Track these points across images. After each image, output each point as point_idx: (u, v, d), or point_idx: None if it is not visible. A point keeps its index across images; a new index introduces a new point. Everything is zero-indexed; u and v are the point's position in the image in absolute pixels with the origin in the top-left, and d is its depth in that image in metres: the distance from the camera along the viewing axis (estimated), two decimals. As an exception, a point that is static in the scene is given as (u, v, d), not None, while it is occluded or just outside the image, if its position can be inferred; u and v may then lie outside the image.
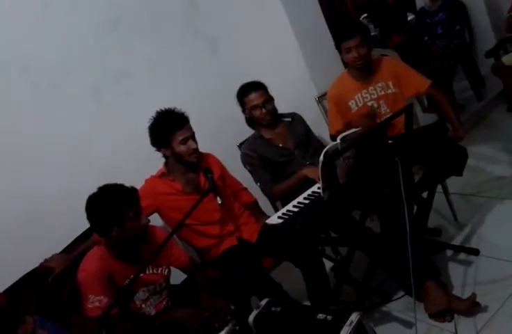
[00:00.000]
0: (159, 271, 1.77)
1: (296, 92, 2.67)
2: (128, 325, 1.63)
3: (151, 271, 1.74)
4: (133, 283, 1.60)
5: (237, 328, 1.61)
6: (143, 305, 1.74)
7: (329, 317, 1.42)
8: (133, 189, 1.64)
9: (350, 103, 2.32)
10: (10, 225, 2.01)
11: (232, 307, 1.68)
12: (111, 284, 1.63)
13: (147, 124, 1.94)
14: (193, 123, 1.96)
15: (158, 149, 1.95)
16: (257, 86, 2.15)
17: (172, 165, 1.98)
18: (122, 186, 1.62)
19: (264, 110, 2.14)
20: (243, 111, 2.22)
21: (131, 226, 1.60)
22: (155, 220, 2.02)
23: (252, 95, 2.13)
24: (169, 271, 1.82)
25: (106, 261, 1.65)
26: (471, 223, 2.42)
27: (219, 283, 1.86)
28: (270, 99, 2.17)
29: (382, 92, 2.31)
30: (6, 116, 2.04)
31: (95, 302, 1.59)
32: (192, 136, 1.92)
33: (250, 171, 2.21)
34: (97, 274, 1.62)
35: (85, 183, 2.10)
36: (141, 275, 1.66)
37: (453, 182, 2.49)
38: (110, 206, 1.56)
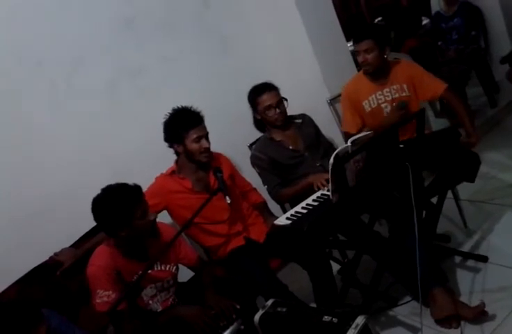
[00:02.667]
0: (167, 268, 1.81)
1: (308, 94, 2.71)
2: (135, 321, 1.67)
3: (159, 268, 1.79)
4: (141, 279, 1.64)
5: (242, 327, 1.65)
6: (150, 302, 1.79)
7: (335, 320, 1.45)
8: (136, 187, 1.66)
9: (364, 103, 2.37)
10: (22, 219, 2.07)
11: (238, 307, 1.72)
12: (119, 280, 1.67)
13: (160, 122, 1.99)
14: (205, 121, 2.02)
15: (171, 146, 2.00)
16: (270, 87, 2.19)
17: (183, 163, 2.03)
18: (125, 185, 1.65)
19: (277, 110, 2.17)
20: (255, 112, 2.25)
21: (140, 224, 1.65)
22: (164, 218, 2.07)
23: (266, 95, 2.17)
24: (177, 269, 1.87)
25: (114, 257, 1.70)
26: (480, 230, 2.45)
27: (226, 282, 1.90)
28: (282, 100, 2.21)
29: (397, 95, 2.36)
30: (19, 108, 2.10)
31: (103, 297, 1.64)
32: (205, 136, 1.98)
33: (258, 173, 2.25)
34: (106, 269, 1.66)
35: (95, 178, 2.16)
36: (149, 271, 1.70)
37: (463, 188, 2.52)
38: (118, 208, 1.59)
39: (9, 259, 1.98)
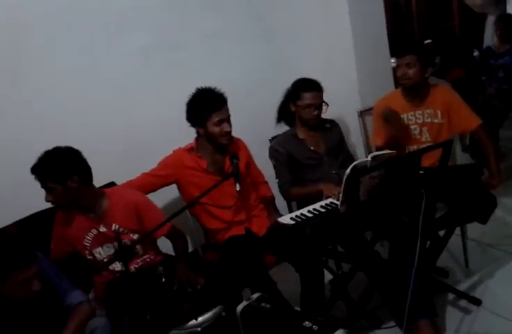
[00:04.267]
0: (124, 231, 1.89)
1: (339, 102, 2.68)
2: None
3: (116, 229, 1.87)
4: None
5: (223, 313, 1.70)
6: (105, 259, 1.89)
7: (315, 327, 1.46)
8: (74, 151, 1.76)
9: None
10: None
11: (202, 281, 1.81)
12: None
13: (185, 98, 2.01)
14: (232, 106, 2.04)
15: (193, 126, 2.04)
16: (319, 87, 2.21)
17: (202, 142, 2.07)
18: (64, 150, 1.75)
19: (316, 112, 2.20)
20: (292, 104, 2.23)
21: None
22: (170, 192, 2.12)
23: (313, 94, 2.18)
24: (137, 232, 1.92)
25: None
26: (481, 273, 2.45)
27: (217, 267, 1.94)
28: (323, 103, 2.22)
29: (429, 120, 2.37)
30: (54, 54, 2.15)
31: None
32: (227, 119, 2.00)
33: (274, 166, 2.28)
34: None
35: (108, 141, 2.21)
36: (102, 231, 1.86)
37: (473, 227, 2.51)
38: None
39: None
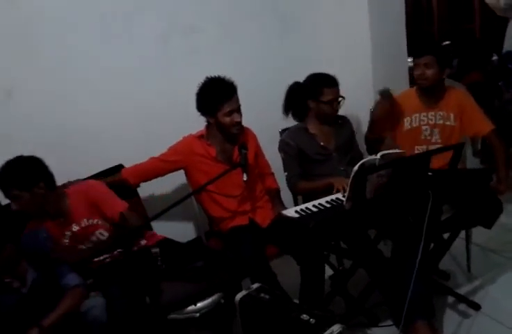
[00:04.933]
0: (90, 223, 1.92)
1: (352, 98, 2.64)
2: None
3: (87, 224, 1.91)
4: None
5: (222, 301, 1.73)
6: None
7: (312, 320, 1.48)
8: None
9: (405, 119, 2.39)
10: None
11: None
12: None
13: (196, 85, 2.02)
14: (245, 96, 2.05)
15: (203, 115, 2.05)
16: (336, 81, 2.21)
17: (212, 131, 2.09)
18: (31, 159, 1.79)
19: (337, 106, 2.21)
20: (312, 100, 2.21)
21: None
22: (178, 177, 2.14)
23: (335, 88, 2.19)
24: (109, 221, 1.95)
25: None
26: (482, 278, 2.46)
27: (219, 255, 1.96)
28: (342, 97, 2.23)
29: (441, 122, 2.37)
30: (66, 37, 2.18)
31: None
32: (238, 109, 2.01)
33: (283, 159, 2.29)
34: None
35: (119, 122, 2.25)
36: (75, 230, 1.89)
37: (478, 233, 2.52)
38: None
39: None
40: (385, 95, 2.30)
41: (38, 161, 1.80)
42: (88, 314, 1.64)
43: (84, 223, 1.90)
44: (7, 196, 1.76)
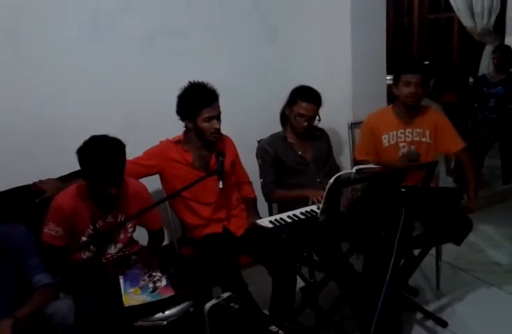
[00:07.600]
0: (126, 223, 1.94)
1: (331, 112, 2.74)
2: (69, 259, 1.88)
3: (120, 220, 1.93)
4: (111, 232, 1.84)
5: (191, 309, 1.74)
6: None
7: (281, 332, 1.50)
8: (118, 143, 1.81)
9: (383, 137, 2.48)
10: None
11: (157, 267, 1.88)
12: (71, 221, 1.84)
13: (178, 89, 2.06)
14: (226, 103, 2.10)
15: (182, 120, 2.09)
16: (318, 100, 2.28)
17: (190, 136, 2.12)
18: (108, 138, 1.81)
19: (306, 123, 2.28)
20: (288, 108, 2.31)
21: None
22: (153, 182, 2.18)
23: (309, 105, 2.25)
24: (133, 231, 2.01)
25: (78, 199, 1.85)
26: (450, 296, 2.56)
27: (190, 263, 1.98)
28: (317, 117, 2.31)
29: (417, 139, 2.47)
30: (57, 31, 2.22)
31: (52, 230, 1.83)
32: (217, 116, 2.06)
33: (259, 165, 2.34)
34: (65, 208, 1.83)
35: (102, 124, 2.22)
36: (109, 221, 1.89)
37: (449, 251, 2.64)
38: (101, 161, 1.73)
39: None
40: (413, 160, 2.36)
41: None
42: (54, 316, 1.62)
43: (120, 218, 1.92)
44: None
